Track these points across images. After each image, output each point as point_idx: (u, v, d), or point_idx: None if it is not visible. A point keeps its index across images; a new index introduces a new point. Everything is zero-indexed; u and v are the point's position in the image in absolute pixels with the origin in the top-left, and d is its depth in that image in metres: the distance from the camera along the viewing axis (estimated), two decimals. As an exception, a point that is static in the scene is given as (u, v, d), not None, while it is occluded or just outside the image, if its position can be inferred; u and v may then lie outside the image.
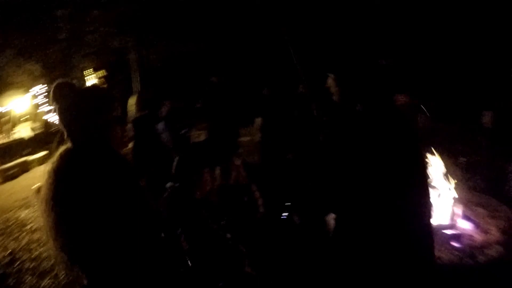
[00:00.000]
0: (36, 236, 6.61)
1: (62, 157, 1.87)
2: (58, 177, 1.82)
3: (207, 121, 5.72)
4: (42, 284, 4.92)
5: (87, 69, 12.28)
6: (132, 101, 5.41)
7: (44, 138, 14.42)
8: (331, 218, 2.75)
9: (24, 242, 6.44)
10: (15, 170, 11.66)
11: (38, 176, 11.13)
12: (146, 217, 2.00)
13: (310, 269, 3.46)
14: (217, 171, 3.31)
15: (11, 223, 7.58)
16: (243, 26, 9.86)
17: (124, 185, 1.93)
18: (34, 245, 6.22)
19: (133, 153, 4.63)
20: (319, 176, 2.95)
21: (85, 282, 1.92)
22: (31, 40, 9.70)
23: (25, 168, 12.10)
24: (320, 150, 4.27)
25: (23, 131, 14.23)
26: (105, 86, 13.15)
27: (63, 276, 4.92)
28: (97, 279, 1.91)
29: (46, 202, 1.83)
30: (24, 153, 13.16)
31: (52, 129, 12.26)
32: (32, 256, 5.80)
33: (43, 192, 1.86)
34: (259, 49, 9.88)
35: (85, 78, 12.29)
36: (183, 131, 5.32)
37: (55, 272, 5.11)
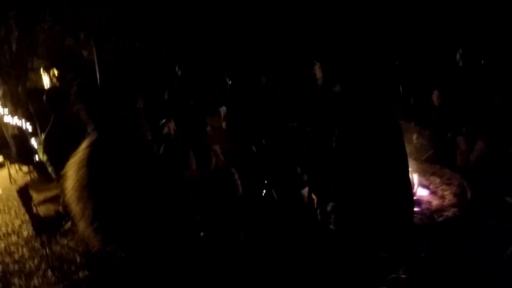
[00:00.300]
0: (13, 239, 6.57)
1: (92, 147, 2.13)
2: (91, 165, 2.07)
3: (174, 113, 5.93)
4: (32, 284, 4.98)
5: (40, 69, 12.00)
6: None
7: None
8: (305, 192, 3.12)
9: (2, 246, 6.36)
10: (-28, 177, 11.11)
11: (-5, 182, 10.79)
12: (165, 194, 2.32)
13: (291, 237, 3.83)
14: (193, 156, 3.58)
15: (-19, 229, 7.36)
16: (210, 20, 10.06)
17: (146, 168, 2.23)
18: (13, 247, 6.19)
19: None
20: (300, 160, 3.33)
21: (122, 255, 2.20)
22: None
23: (-18, 174, 11.74)
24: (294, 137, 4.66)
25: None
26: (57, 84, 12.92)
27: (51, 274, 5.12)
28: (131, 251, 2.21)
29: (81, 189, 2.08)
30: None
31: (11, 133, 11.90)
32: (15, 258, 5.78)
33: (74, 181, 2.12)
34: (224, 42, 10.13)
35: (42, 77, 12.01)
36: (161, 122, 5.55)
37: (42, 271, 5.28)
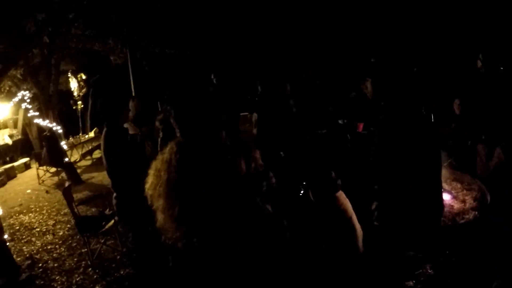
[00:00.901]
0: (49, 238, 6.79)
1: (180, 149, 2.43)
2: (181, 167, 2.38)
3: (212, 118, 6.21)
4: (74, 281, 5.11)
5: (68, 73, 12.38)
6: (132, 103, 5.86)
7: (22, 145, 14.41)
8: (340, 195, 3.41)
9: (38, 244, 6.55)
10: (2, 177, 11.59)
11: (26, 182, 11.17)
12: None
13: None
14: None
15: (17, 228, 7.63)
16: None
17: (222, 166, 2.54)
18: (51, 246, 6.37)
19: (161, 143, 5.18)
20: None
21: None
22: (13, 43, 9.60)
23: (12, 174, 12.20)
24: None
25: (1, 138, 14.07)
26: (84, 89, 13.37)
27: (92, 272, 5.34)
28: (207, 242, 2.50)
29: (168, 188, 2.37)
30: (4, 160, 13.25)
31: (35, 136, 12.33)
32: (54, 256, 5.94)
33: (160, 179, 2.42)
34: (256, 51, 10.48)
35: (70, 81, 12.41)
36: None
37: (82, 269, 5.48)
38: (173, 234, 2.41)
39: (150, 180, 2.47)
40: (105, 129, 3.91)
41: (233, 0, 10.61)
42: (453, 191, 4.63)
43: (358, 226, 3.18)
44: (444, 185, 4.69)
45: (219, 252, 2.56)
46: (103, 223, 5.37)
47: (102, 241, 5.71)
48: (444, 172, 4.88)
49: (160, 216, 2.42)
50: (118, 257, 5.44)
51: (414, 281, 3.20)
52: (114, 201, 3.99)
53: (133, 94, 9.76)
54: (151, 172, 2.48)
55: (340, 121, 5.67)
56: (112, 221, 5.36)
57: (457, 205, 4.37)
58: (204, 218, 2.40)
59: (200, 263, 2.61)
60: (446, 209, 4.33)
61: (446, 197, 4.52)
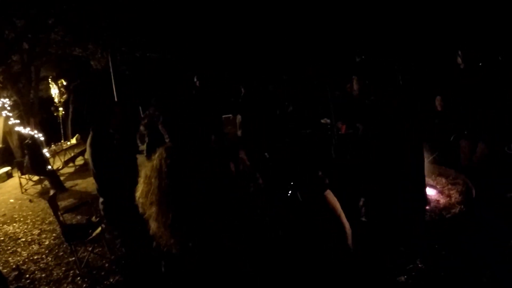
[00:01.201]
0: (35, 247, 6.69)
1: (170, 154, 2.40)
2: (172, 174, 2.35)
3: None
4: None
5: (48, 79, 12.21)
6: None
7: (3, 154, 14.15)
8: (328, 194, 3.44)
9: (25, 255, 6.46)
10: (-18, 188, 11.37)
11: (9, 192, 10.97)
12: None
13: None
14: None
15: (2, 238, 7.51)
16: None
17: (212, 170, 2.53)
18: (37, 256, 6.29)
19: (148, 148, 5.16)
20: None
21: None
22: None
23: (-8, 184, 11.98)
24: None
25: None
26: (65, 95, 13.20)
27: (81, 281, 5.26)
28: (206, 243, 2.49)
29: (160, 195, 2.33)
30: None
31: (16, 144, 12.10)
32: (41, 267, 5.87)
33: (150, 186, 2.39)
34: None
35: (50, 87, 12.24)
36: None
37: (71, 278, 5.39)
38: (168, 241, 2.39)
39: (140, 188, 2.43)
40: (91, 134, 3.86)
41: (213, 3, 10.63)
42: (438, 186, 4.70)
43: (347, 224, 3.21)
44: (430, 180, 4.76)
45: (219, 253, 2.54)
46: (90, 230, 5.31)
47: (90, 249, 5.64)
48: (429, 168, 4.97)
49: (153, 224, 2.39)
50: (107, 264, 5.39)
51: (405, 276, 3.26)
52: (101, 206, 3.94)
53: (115, 99, 9.69)
54: (141, 179, 2.44)
55: (322, 121, 5.71)
56: (99, 228, 5.29)
57: (443, 200, 4.43)
58: (204, 218, 2.38)
59: (199, 264, 2.58)
60: (432, 204, 4.41)
61: (432, 192, 4.59)
